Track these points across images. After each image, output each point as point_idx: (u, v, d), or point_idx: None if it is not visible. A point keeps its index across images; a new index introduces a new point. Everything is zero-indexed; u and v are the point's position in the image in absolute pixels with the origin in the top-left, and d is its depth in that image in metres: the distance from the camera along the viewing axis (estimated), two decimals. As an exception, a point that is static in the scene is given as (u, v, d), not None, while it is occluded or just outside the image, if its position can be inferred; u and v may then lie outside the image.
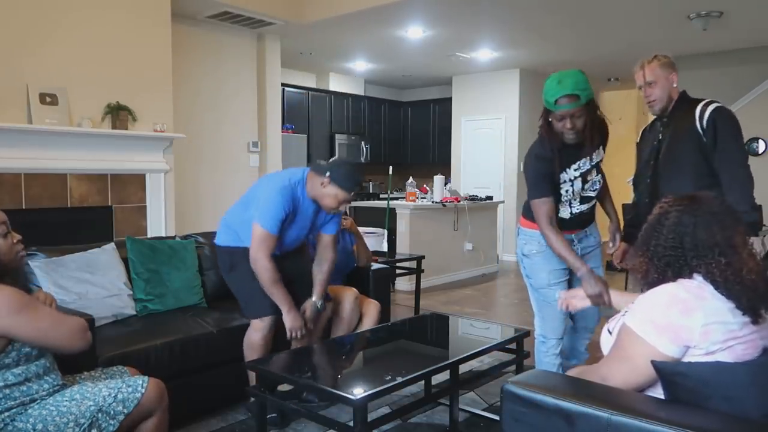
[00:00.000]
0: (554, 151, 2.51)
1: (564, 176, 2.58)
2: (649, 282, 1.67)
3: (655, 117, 2.78)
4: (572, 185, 2.61)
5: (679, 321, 1.50)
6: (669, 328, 1.50)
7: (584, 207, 2.72)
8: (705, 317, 1.49)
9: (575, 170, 2.59)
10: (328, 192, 2.82)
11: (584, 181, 2.64)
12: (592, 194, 2.71)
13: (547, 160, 2.54)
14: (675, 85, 2.64)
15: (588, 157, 2.60)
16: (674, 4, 5.42)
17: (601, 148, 2.67)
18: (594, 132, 2.53)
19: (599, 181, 2.71)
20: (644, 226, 1.74)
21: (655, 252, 1.65)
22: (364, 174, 9.70)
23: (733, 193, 2.40)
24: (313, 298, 3.01)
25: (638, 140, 2.95)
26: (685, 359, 1.51)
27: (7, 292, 1.71)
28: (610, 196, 2.93)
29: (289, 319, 2.89)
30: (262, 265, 2.81)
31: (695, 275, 1.58)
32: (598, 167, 2.69)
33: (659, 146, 2.70)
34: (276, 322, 2.89)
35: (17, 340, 1.74)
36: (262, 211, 2.81)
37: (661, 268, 1.63)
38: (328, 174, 2.80)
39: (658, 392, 1.58)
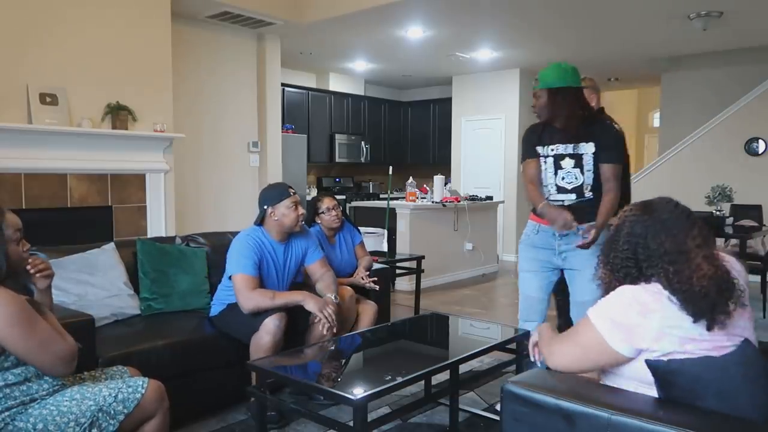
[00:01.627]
0: (539, 126, 2.89)
1: (540, 150, 2.85)
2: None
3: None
4: (545, 162, 2.83)
5: (635, 321, 1.53)
6: (624, 327, 1.54)
7: (561, 199, 2.78)
8: (662, 320, 1.51)
9: (550, 149, 2.82)
10: (281, 212, 2.98)
11: (557, 166, 2.78)
12: (567, 186, 2.78)
13: (530, 132, 2.94)
14: (593, 104, 3.12)
15: (566, 144, 2.77)
16: (674, 4, 5.42)
17: (591, 144, 2.74)
18: (574, 121, 2.73)
19: (577, 177, 2.76)
20: (605, 238, 1.79)
21: (614, 264, 1.67)
22: (364, 173, 9.71)
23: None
24: (327, 295, 2.99)
25: None
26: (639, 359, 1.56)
27: (8, 301, 1.70)
28: (609, 199, 2.73)
29: (312, 303, 2.86)
30: (254, 300, 2.85)
31: (653, 281, 1.59)
32: (579, 162, 2.75)
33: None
34: (285, 323, 2.82)
35: (5, 349, 1.74)
36: (231, 261, 2.95)
37: (620, 278, 1.65)
38: (266, 207, 3.01)
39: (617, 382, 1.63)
